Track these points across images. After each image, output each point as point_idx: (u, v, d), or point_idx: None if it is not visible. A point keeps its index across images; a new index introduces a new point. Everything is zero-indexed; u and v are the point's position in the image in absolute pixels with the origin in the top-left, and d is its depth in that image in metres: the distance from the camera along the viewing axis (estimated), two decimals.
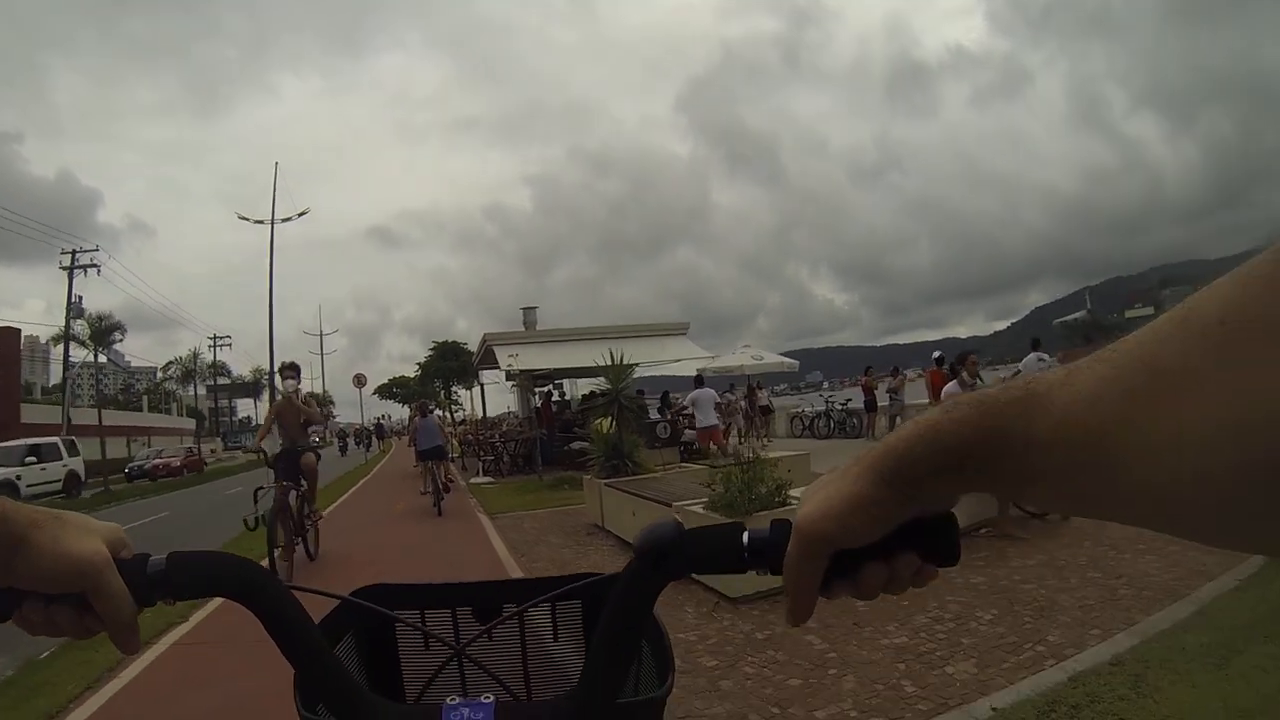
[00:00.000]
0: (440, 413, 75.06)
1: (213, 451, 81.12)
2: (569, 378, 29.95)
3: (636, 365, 14.03)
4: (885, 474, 0.67)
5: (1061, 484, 0.57)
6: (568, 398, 30.86)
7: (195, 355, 53.31)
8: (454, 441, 34.09)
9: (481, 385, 48.86)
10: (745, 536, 0.77)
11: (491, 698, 0.87)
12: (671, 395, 28.59)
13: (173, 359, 53.59)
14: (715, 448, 18.87)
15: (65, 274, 46.77)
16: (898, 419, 23.32)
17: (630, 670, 0.91)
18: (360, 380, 40.55)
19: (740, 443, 23.44)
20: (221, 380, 64.90)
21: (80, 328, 42.52)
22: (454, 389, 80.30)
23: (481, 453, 25.01)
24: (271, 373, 69.98)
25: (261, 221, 66.42)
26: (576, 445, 21.78)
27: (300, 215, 70.54)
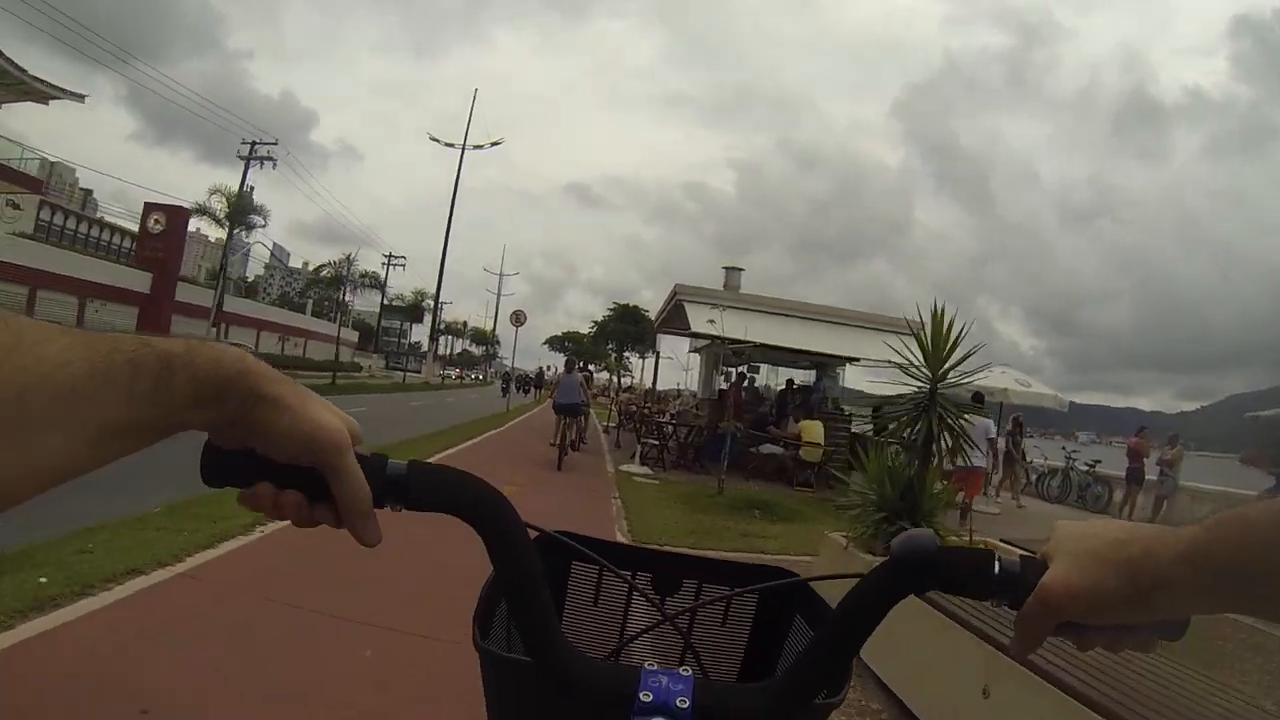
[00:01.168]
0: (609, 376, 71.62)
1: (369, 368, 79.20)
2: (771, 363, 24.16)
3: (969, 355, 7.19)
4: (1141, 584, 0.68)
5: None
6: (759, 385, 25.06)
7: (350, 259, 49.28)
8: (612, 409, 29.09)
9: (657, 354, 44.05)
10: (996, 566, 0.77)
11: (688, 670, 0.84)
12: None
13: (327, 261, 49.96)
14: (967, 500, 12.70)
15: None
16: (1165, 502, 18.88)
17: (847, 670, 0.87)
18: (519, 318, 35.39)
19: (986, 493, 17.06)
20: (374, 294, 61.89)
21: (217, 203, 38.81)
22: (626, 354, 76.46)
23: (643, 431, 19.59)
24: (437, 298, 67.55)
25: (452, 145, 64.47)
26: (767, 449, 17.68)
27: (494, 145, 68.79)
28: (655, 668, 0.83)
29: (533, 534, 0.90)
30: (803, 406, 19.80)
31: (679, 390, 43.77)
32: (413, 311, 76.12)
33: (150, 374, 0.63)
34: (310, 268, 49.40)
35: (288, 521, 0.76)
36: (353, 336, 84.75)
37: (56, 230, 50.78)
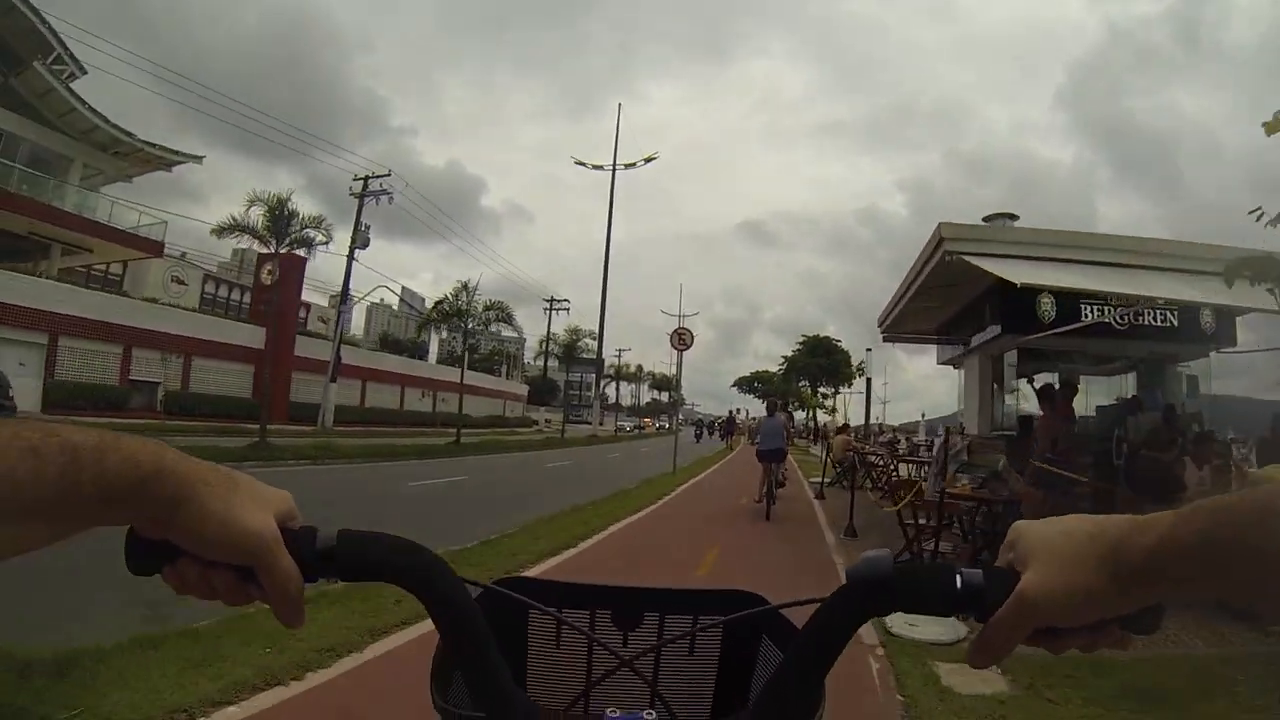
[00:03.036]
0: (804, 414, 62.60)
1: (547, 422, 71.62)
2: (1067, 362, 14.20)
3: None
4: (1121, 577, 0.65)
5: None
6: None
7: (468, 288, 39.83)
8: (829, 464, 19.89)
9: (868, 379, 34.42)
10: (958, 580, 0.73)
11: (653, 714, 0.85)
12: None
13: (443, 296, 40.83)
14: None
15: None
16: None
17: (818, 705, 0.82)
18: (682, 339, 24.63)
19: None
20: (507, 333, 53.54)
21: (255, 215, 31.90)
22: (821, 390, 68.06)
23: (924, 520, 9.47)
24: (601, 336, 59.25)
25: (601, 166, 56.80)
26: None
27: (648, 161, 61.08)
28: (618, 714, 0.83)
29: (477, 589, 0.91)
30: (1170, 433, 10.01)
31: (880, 426, 33.16)
32: (570, 353, 67.47)
33: (54, 464, 0.59)
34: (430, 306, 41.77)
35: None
36: (520, 389, 77.67)
37: (223, 302, 50.85)
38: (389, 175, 40.67)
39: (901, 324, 16.86)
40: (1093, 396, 13.92)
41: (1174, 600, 0.67)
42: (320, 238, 34.27)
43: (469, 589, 0.85)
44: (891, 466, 18.62)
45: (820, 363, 73.07)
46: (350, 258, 36.66)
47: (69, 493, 0.60)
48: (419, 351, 64.48)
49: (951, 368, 17.50)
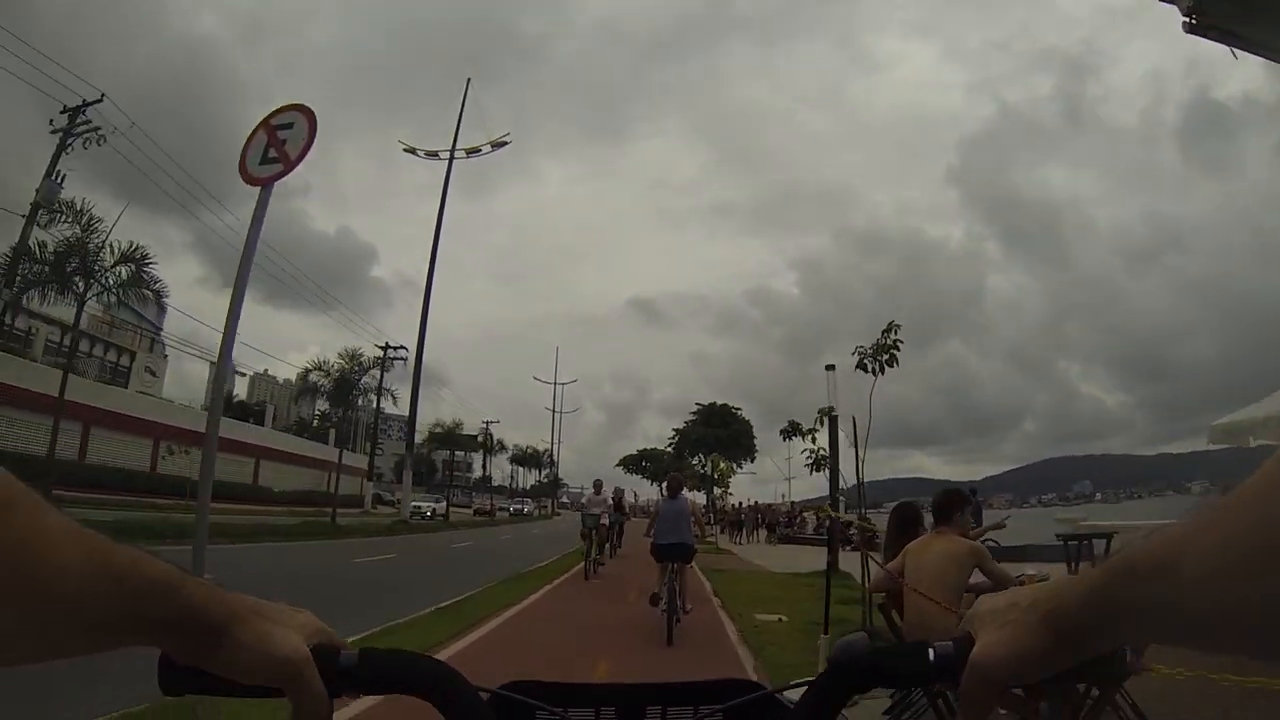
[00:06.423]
0: (704, 495, 47.29)
1: (398, 502, 53.88)
2: None
3: None
4: (1059, 633, 0.68)
5: (1193, 635, 0.60)
6: None
7: (76, 210, 23.51)
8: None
9: (832, 418, 18.80)
10: (931, 654, 0.76)
11: None
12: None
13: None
14: None
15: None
16: None
17: None
18: None
19: None
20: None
21: None
22: (719, 463, 52.78)
23: None
24: (418, 363, 42.32)
25: (435, 154, 42.71)
26: None
27: (497, 146, 44.76)
28: None
29: (485, 694, 0.88)
30: None
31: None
32: (342, 391, 43.22)
33: (133, 596, 0.62)
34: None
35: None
36: (358, 462, 58.19)
37: None
38: (102, 100, 26.44)
39: None
40: None
41: (1113, 646, 0.68)
42: None
43: (491, 692, 0.87)
44: None
45: (718, 433, 59.36)
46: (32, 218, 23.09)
47: (132, 619, 0.62)
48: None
49: None
